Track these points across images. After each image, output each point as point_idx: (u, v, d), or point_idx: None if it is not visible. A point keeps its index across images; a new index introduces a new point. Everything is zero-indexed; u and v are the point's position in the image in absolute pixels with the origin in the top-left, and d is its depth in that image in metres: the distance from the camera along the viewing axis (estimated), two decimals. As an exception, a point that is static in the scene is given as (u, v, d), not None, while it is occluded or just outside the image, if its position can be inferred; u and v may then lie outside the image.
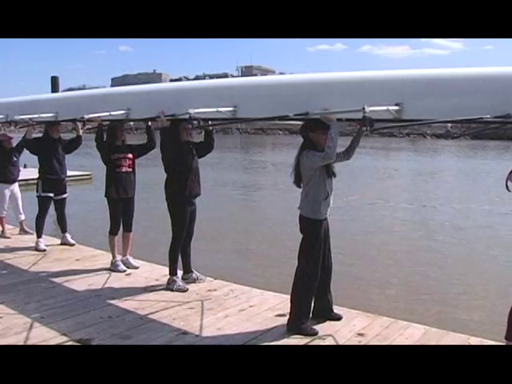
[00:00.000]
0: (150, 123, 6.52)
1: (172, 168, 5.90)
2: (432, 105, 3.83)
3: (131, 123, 6.97)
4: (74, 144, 8.06)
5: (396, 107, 3.87)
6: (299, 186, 4.82)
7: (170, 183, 5.93)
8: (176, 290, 5.92)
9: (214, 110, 4.84)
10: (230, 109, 4.86)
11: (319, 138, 4.58)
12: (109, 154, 6.59)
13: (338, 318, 5.10)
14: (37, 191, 7.87)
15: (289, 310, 4.90)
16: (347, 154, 4.90)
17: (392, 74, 4.34)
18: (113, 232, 6.79)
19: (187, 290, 5.97)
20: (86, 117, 5.99)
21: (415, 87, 4.01)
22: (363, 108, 3.75)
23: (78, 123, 7.77)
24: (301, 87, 4.78)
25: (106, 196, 6.71)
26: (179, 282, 6.03)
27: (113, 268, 6.75)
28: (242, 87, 5.45)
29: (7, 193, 8.75)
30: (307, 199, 4.72)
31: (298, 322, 4.78)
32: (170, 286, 5.99)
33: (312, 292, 4.83)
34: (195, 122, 4.84)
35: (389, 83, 4.20)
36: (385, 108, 3.83)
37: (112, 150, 6.61)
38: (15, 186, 8.90)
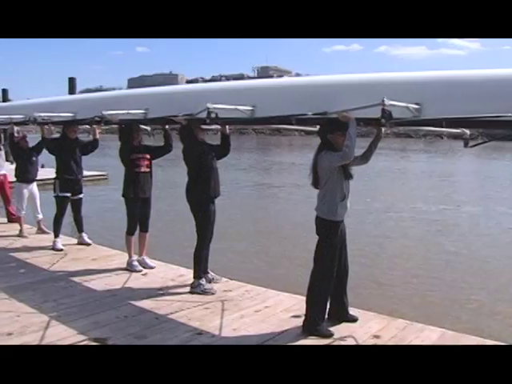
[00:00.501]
0: (167, 126, 6.55)
1: (195, 168, 5.88)
2: (452, 107, 3.78)
3: (148, 128, 7.01)
4: (90, 146, 8.11)
5: (416, 106, 3.83)
6: (317, 187, 4.79)
7: (195, 184, 5.90)
8: (206, 293, 5.87)
9: (233, 107, 4.83)
10: (249, 108, 4.85)
11: (337, 139, 4.55)
12: (128, 154, 6.62)
13: (353, 319, 5.07)
14: (54, 191, 7.92)
15: (304, 312, 4.88)
16: (365, 157, 4.88)
17: (411, 75, 4.31)
18: (130, 232, 6.82)
19: (216, 292, 5.95)
20: (105, 113, 6.03)
21: (435, 89, 3.97)
22: (383, 100, 3.72)
23: (95, 126, 7.84)
24: (319, 88, 4.76)
25: (123, 196, 6.73)
26: (206, 285, 6.00)
27: (129, 268, 6.78)
28: (260, 88, 5.45)
29: (26, 192, 8.83)
30: (324, 200, 4.69)
31: (313, 323, 4.77)
32: (195, 290, 5.92)
33: (328, 294, 4.81)
34: (213, 115, 4.80)
35: (408, 85, 4.15)
36: (404, 105, 3.79)
37: (131, 150, 6.64)
38: (33, 186, 8.98)
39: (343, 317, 5.04)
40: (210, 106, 4.80)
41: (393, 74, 4.49)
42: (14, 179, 9.05)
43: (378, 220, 13.91)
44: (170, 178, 18.97)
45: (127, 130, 6.67)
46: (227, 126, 6.11)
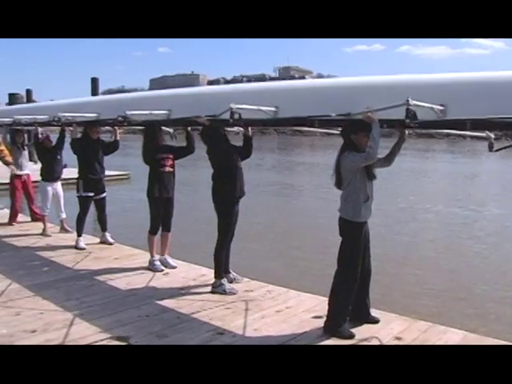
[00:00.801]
0: (189, 128, 6.57)
1: (222, 169, 5.90)
2: (477, 108, 3.73)
3: (171, 130, 7.04)
4: (111, 147, 8.19)
5: (440, 107, 3.79)
6: (340, 188, 4.76)
7: (221, 184, 5.90)
8: (227, 293, 5.87)
9: (256, 108, 4.82)
10: (272, 109, 4.84)
11: (361, 139, 4.52)
12: (153, 154, 6.66)
13: (375, 321, 5.04)
14: (77, 191, 7.98)
15: (326, 313, 4.86)
16: (388, 160, 4.83)
17: (436, 77, 4.26)
18: (153, 231, 6.85)
19: (237, 292, 5.95)
20: (128, 113, 6.07)
21: (460, 90, 3.92)
22: (407, 100, 3.68)
23: (116, 127, 7.90)
24: (343, 89, 4.74)
25: (148, 195, 6.77)
26: (227, 285, 6.01)
27: (150, 267, 6.81)
28: (283, 89, 5.44)
29: (50, 191, 8.93)
30: (348, 201, 4.66)
31: (335, 324, 4.74)
32: (217, 290, 5.93)
33: (351, 295, 4.77)
34: (236, 115, 4.80)
35: (432, 86, 4.10)
36: (429, 105, 3.75)
37: (155, 150, 6.68)
38: (58, 185, 9.07)
39: (365, 318, 5.01)
40: (233, 106, 4.80)
41: (417, 76, 4.45)
42: (39, 179, 9.15)
43: (405, 221, 13.79)
44: (192, 177, 19.05)
45: (151, 130, 6.70)
46: (250, 128, 6.11)
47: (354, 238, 4.68)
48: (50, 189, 8.91)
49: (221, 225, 5.94)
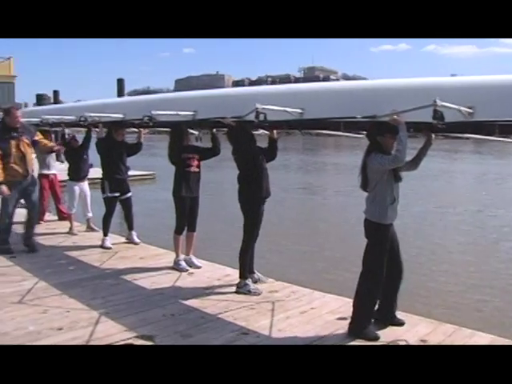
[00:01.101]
0: (215, 130, 6.59)
1: (247, 170, 5.90)
2: (506, 111, 3.67)
3: (196, 132, 7.08)
4: (134, 149, 8.23)
5: (468, 109, 3.73)
6: (366, 190, 4.71)
7: (247, 185, 5.90)
8: (251, 294, 5.87)
9: (281, 109, 4.81)
10: (298, 110, 4.82)
11: (387, 141, 4.47)
12: (179, 154, 6.69)
13: (400, 323, 4.99)
14: (103, 192, 8.02)
15: (351, 314, 4.83)
16: (414, 163, 4.76)
17: (464, 79, 4.20)
18: (178, 231, 6.87)
19: (261, 292, 5.95)
20: (154, 113, 6.09)
21: (488, 92, 3.86)
22: (434, 101, 3.64)
23: (141, 129, 7.95)
24: (369, 91, 4.71)
25: (173, 195, 6.79)
26: (252, 285, 6.00)
27: (175, 267, 6.84)
28: (309, 91, 5.42)
29: (77, 190, 9.03)
30: (374, 203, 4.61)
31: (360, 326, 4.70)
32: (241, 290, 5.93)
33: (376, 297, 4.74)
34: (262, 116, 4.80)
35: (460, 88, 4.04)
36: (457, 107, 3.70)
37: (182, 150, 6.71)
38: (85, 184, 9.17)
39: (390, 320, 4.96)
40: (258, 106, 4.79)
41: (444, 78, 4.40)
42: (66, 178, 9.26)
43: (435, 223, 13.65)
44: (218, 178, 19.09)
45: (178, 130, 6.72)
46: (275, 131, 6.09)
47: (379, 240, 4.64)
48: (76, 188, 9.01)
49: (246, 225, 5.94)
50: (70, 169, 9.07)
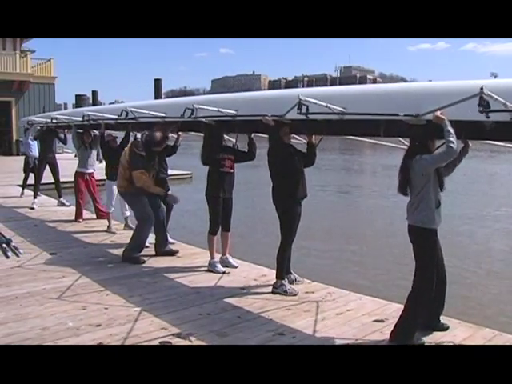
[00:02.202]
0: (253, 135, 6.61)
1: (282, 171, 5.88)
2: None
3: (233, 140, 7.11)
4: (170, 150, 8.24)
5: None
6: (405, 194, 4.56)
7: (282, 186, 5.89)
8: (288, 294, 5.86)
9: (324, 104, 4.75)
10: (340, 108, 4.76)
11: (430, 144, 4.42)
12: (216, 154, 6.69)
13: (445, 328, 4.88)
14: None
15: (385, 316, 4.75)
16: (447, 170, 4.68)
17: (509, 81, 4.08)
18: (213, 231, 6.85)
19: (298, 293, 5.94)
20: (196, 106, 6.14)
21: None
22: (481, 88, 3.52)
23: (180, 133, 8.00)
24: (412, 92, 4.63)
25: (206, 194, 6.81)
26: (288, 286, 5.98)
27: (211, 268, 6.80)
28: (351, 92, 5.37)
29: (115, 189, 9.14)
30: (420, 208, 4.45)
31: (407, 333, 4.56)
32: (277, 290, 5.92)
33: (428, 304, 4.62)
34: (304, 108, 4.76)
35: (507, 90, 3.91)
36: (503, 100, 3.55)
37: (217, 150, 6.72)
38: None
39: (434, 326, 4.87)
40: (301, 97, 4.76)
41: (491, 81, 4.29)
42: (104, 177, 9.40)
43: (471, 225, 13.39)
44: (253, 178, 19.10)
45: (216, 129, 6.71)
46: (314, 136, 6.05)
47: (430, 246, 4.50)
48: (114, 187, 9.12)
49: (284, 226, 5.92)
50: (107, 168, 9.19)
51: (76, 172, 10.28)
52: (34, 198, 12.21)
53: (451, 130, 4.08)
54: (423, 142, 4.45)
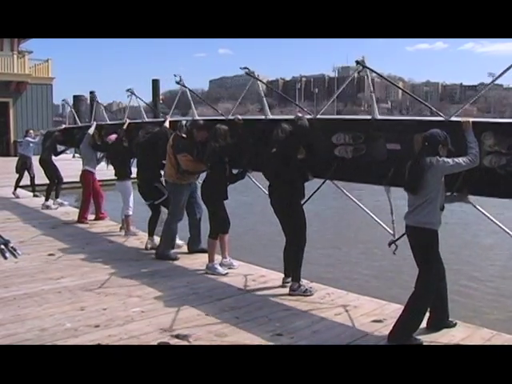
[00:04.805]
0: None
1: (291, 171, 5.86)
2: None
3: None
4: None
5: None
6: (415, 193, 4.49)
7: (291, 187, 5.87)
8: (308, 294, 5.87)
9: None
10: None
11: (444, 152, 4.46)
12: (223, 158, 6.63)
13: (453, 324, 4.91)
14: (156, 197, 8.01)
15: (383, 317, 4.75)
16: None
17: None
18: (227, 231, 6.81)
19: (315, 292, 5.94)
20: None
21: None
22: None
23: None
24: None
25: (212, 199, 6.71)
26: (307, 286, 5.97)
27: (211, 272, 6.70)
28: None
29: (131, 187, 9.09)
30: (428, 209, 4.43)
31: (406, 332, 4.55)
32: (296, 292, 5.88)
33: (427, 307, 4.66)
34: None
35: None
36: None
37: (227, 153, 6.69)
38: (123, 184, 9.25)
39: (444, 323, 4.89)
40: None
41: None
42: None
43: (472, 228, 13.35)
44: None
45: (220, 130, 6.61)
46: None
47: (435, 248, 4.54)
48: (129, 185, 9.08)
49: (295, 228, 5.89)
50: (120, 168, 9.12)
51: (86, 171, 10.11)
52: (56, 197, 12.21)
53: (474, 141, 4.18)
54: (434, 145, 4.45)
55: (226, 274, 6.69)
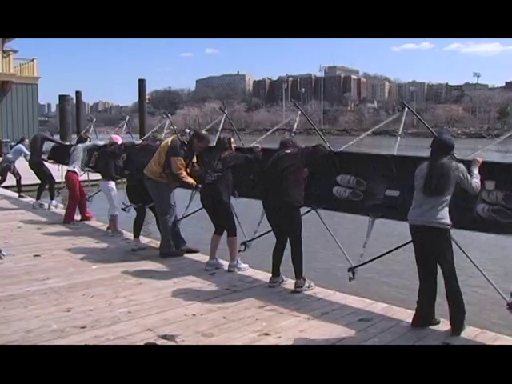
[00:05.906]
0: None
1: (299, 174, 6.05)
2: None
3: None
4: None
5: None
6: (434, 194, 4.67)
7: (296, 190, 5.97)
8: (313, 289, 6.07)
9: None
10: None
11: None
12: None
13: (437, 322, 5.00)
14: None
15: (374, 317, 4.78)
16: None
17: None
18: (235, 233, 6.88)
19: (314, 287, 6.13)
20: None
21: None
22: None
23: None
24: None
25: (221, 200, 6.74)
26: (310, 282, 6.14)
27: (235, 270, 6.81)
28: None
29: (114, 188, 9.12)
30: (445, 210, 4.68)
31: (461, 325, 4.80)
32: (301, 289, 5.98)
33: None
34: None
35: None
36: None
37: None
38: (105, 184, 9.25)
39: (431, 321, 4.98)
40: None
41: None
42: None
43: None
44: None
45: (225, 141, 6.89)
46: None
47: (451, 244, 4.79)
48: (112, 186, 9.12)
49: (295, 229, 6.01)
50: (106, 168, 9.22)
51: (71, 171, 9.99)
52: (51, 198, 12.15)
53: (479, 176, 4.66)
54: (450, 150, 4.79)
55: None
